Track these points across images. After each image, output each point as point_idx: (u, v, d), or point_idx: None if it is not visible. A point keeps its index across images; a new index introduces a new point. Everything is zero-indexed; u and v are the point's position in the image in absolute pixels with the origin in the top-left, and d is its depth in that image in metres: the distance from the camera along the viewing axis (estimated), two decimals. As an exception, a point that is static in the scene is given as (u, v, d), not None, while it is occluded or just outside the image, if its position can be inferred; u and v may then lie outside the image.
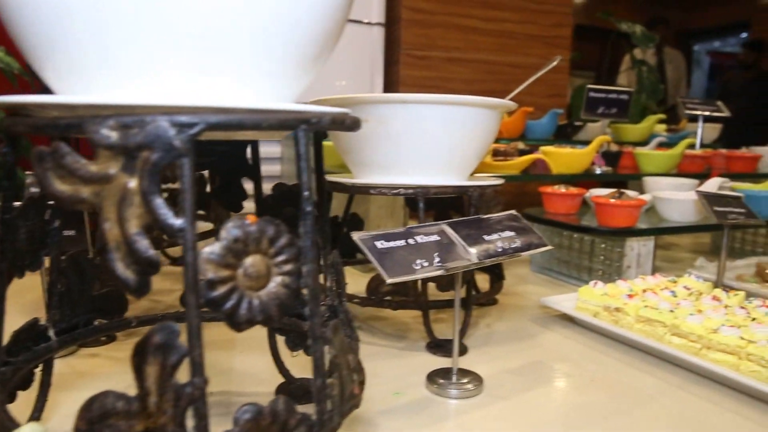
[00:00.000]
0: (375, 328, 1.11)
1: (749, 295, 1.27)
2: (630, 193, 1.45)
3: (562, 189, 1.46)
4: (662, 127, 2.36)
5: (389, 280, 0.71)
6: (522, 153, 1.62)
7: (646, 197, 1.45)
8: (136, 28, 0.44)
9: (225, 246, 0.47)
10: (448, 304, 1.03)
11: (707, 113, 2.01)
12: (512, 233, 0.87)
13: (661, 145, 2.09)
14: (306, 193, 0.50)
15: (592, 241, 1.38)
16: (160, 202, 0.44)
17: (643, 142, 2.20)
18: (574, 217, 1.45)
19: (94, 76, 0.48)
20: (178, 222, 0.45)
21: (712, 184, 1.44)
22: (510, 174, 1.50)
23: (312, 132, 0.51)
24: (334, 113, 0.52)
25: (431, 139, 0.97)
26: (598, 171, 1.63)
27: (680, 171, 1.86)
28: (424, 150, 0.98)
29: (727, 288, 1.23)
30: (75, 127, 0.45)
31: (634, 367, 0.95)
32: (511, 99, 1.10)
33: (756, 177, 1.96)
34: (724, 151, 2.05)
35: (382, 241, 0.76)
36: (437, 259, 0.77)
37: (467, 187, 0.99)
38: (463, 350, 1.00)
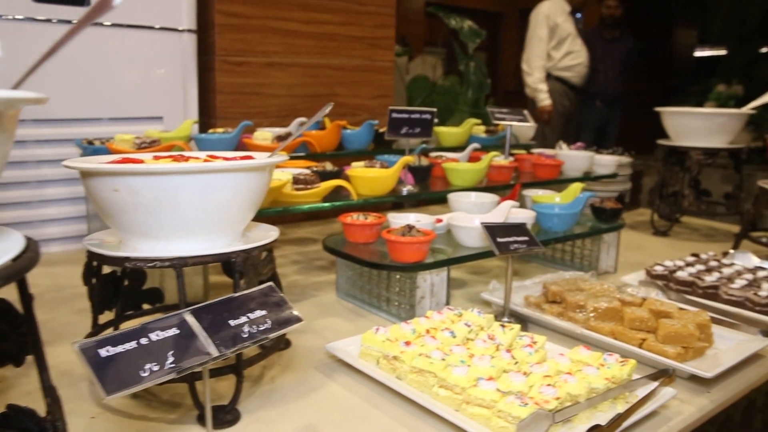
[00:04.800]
0: (151, 395, 1.06)
1: (526, 326, 1.35)
2: (424, 220, 1.48)
3: (361, 219, 1.46)
4: (481, 129, 2.43)
5: (105, 398, 0.67)
6: (325, 175, 1.61)
7: (440, 227, 1.49)
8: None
9: None
10: (220, 371, 1.00)
11: (514, 123, 2.09)
12: (263, 312, 0.85)
13: (477, 150, 2.16)
14: None
15: (388, 272, 1.39)
16: None
17: (463, 146, 2.26)
18: (374, 246, 1.46)
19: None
20: None
21: (503, 210, 1.49)
22: (312, 203, 1.49)
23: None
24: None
25: (188, 207, 0.92)
26: (404, 192, 1.64)
27: (490, 181, 1.92)
28: (182, 218, 0.93)
29: (508, 320, 1.29)
30: None
31: (404, 424, 0.97)
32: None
33: (560, 182, 2.07)
34: (533, 156, 2.15)
35: (108, 347, 0.71)
36: (171, 360, 0.74)
37: (230, 253, 0.96)
38: (236, 418, 0.98)
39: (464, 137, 2.31)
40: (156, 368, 0.72)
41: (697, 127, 2.30)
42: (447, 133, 2.27)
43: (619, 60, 4.62)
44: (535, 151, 2.36)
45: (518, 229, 1.36)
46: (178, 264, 0.92)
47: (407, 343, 1.09)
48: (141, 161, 1.00)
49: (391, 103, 2.69)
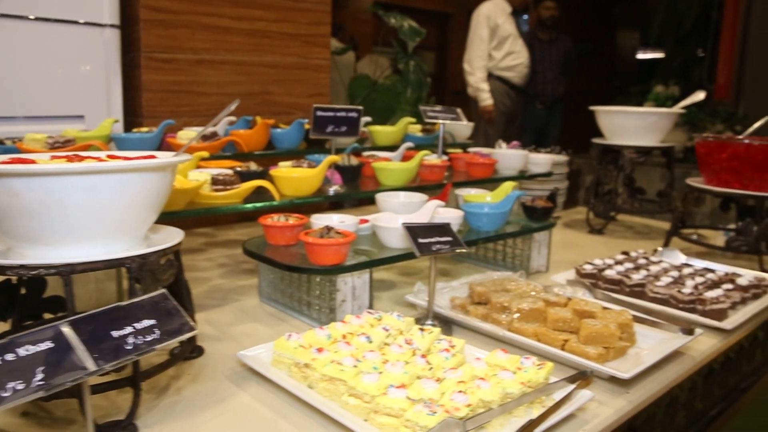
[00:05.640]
0: (44, 411, 0.99)
1: (450, 328, 1.32)
2: (348, 221, 1.44)
3: (282, 220, 1.41)
4: (417, 128, 2.40)
5: (-44, 423, 0.61)
6: (247, 176, 1.55)
7: (365, 227, 1.45)
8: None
9: None
10: (118, 384, 0.94)
11: (447, 121, 2.06)
12: (152, 321, 0.80)
13: (411, 149, 2.12)
14: None
15: (308, 276, 1.35)
16: None
17: (398, 145, 2.22)
18: (296, 248, 1.41)
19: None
20: None
21: (428, 210, 1.46)
22: (232, 204, 1.43)
23: None
24: None
25: (75, 211, 0.86)
26: (331, 192, 1.60)
27: (423, 180, 1.89)
28: (69, 222, 0.87)
29: (431, 323, 1.26)
30: None
31: (312, 435, 0.93)
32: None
33: (494, 181, 2.05)
34: (467, 155, 2.13)
35: (-34, 364, 0.66)
36: (39, 377, 0.68)
37: (123, 259, 0.90)
38: (133, 433, 0.92)
39: (399, 136, 2.28)
40: (21, 387, 0.66)
41: (629, 125, 2.32)
42: (381, 132, 2.24)
43: (557, 61, 4.67)
44: (471, 150, 2.35)
45: (441, 229, 1.33)
46: (65, 271, 0.86)
47: (319, 350, 1.05)
48: (32, 161, 0.94)
49: (327, 101, 2.65)
